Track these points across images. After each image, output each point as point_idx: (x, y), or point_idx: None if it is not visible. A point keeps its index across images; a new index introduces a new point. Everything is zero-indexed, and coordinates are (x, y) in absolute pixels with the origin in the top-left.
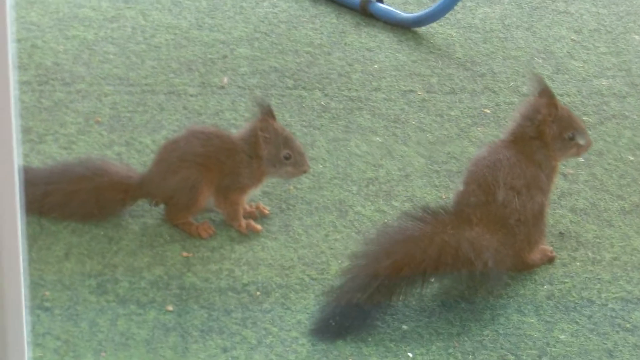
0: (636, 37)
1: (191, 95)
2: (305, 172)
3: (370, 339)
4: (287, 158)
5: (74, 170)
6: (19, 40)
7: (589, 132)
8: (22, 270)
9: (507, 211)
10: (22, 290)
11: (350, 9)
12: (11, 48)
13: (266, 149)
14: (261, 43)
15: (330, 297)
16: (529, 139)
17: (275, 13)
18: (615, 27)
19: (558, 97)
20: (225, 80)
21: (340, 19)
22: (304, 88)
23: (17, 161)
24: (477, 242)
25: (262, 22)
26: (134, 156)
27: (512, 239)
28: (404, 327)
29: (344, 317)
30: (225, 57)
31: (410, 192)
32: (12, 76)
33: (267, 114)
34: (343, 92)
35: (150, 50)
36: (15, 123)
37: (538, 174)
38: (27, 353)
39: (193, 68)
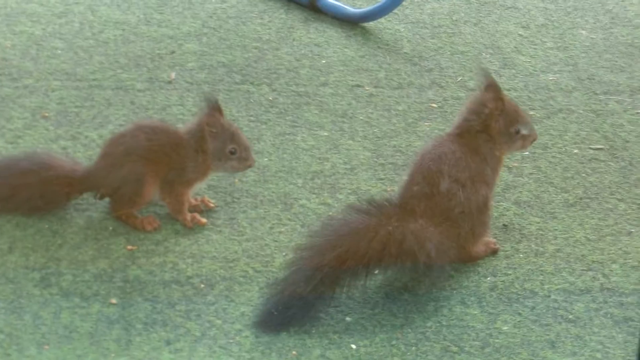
0: (583, 32)
1: (139, 91)
2: (250, 166)
3: (313, 331)
4: (232, 153)
5: (19, 164)
6: None
7: (535, 126)
8: None
9: (451, 203)
10: None
11: (299, 4)
12: None
13: (212, 144)
14: (209, 38)
15: (273, 289)
16: (475, 133)
17: (224, 9)
18: (562, 22)
19: (505, 92)
20: (173, 75)
21: (289, 14)
22: (251, 83)
23: None
24: (421, 234)
25: (211, 17)
26: (79, 150)
27: (456, 231)
28: (348, 319)
29: (287, 309)
30: (173, 52)
31: (356, 185)
32: None
33: (214, 109)
34: (291, 87)
35: (98, 45)
36: None
37: (483, 167)
38: None
39: (141, 63)
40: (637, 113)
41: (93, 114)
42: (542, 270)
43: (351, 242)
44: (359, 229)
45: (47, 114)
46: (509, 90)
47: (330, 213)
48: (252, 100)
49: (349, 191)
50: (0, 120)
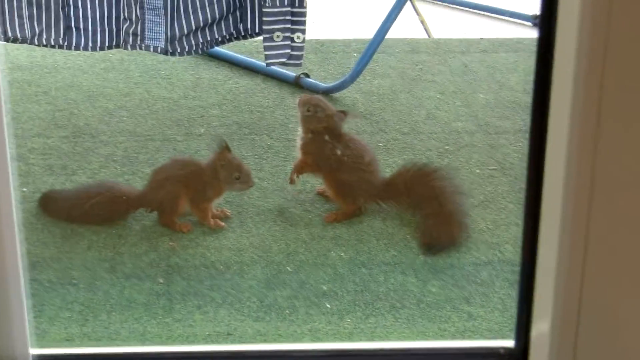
0: (480, 95)
1: (178, 141)
2: (251, 186)
3: (300, 296)
4: (237, 178)
5: (94, 188)
6: (60, 110)
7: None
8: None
9: None
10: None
11: (288, 82)
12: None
13: (222, 172)
14: (227, 106)
15: None
16: None
17: (237, 87)
18: (466, 89)
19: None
20: (202, 130)
21: (281, 89)
22: (255, 134)
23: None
24: None
25: (228, 93)
26: (137, 181)
27: None
28: (324, 287)
29: None
30: (202, 116)
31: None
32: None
33: (223, 148)
34: (282, 136)
35: (151, 113)
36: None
37: None
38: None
39: (180, 124)
40: (519, 145)
41: (147, 157)
42: (458, 250)
43: None
44: None
45: (115, 159)
46: (430, 133)
47: (310, 216)
48: (255, 145)
49: (323, 202)
50: (83, 163)
